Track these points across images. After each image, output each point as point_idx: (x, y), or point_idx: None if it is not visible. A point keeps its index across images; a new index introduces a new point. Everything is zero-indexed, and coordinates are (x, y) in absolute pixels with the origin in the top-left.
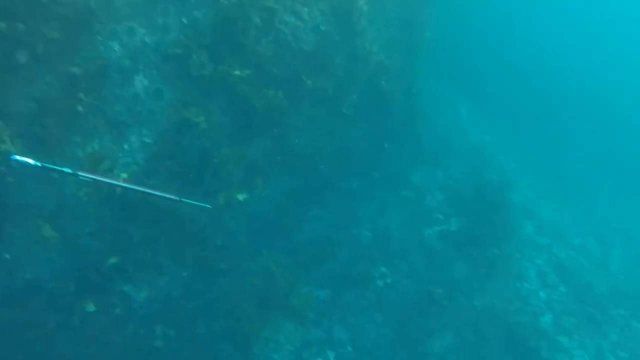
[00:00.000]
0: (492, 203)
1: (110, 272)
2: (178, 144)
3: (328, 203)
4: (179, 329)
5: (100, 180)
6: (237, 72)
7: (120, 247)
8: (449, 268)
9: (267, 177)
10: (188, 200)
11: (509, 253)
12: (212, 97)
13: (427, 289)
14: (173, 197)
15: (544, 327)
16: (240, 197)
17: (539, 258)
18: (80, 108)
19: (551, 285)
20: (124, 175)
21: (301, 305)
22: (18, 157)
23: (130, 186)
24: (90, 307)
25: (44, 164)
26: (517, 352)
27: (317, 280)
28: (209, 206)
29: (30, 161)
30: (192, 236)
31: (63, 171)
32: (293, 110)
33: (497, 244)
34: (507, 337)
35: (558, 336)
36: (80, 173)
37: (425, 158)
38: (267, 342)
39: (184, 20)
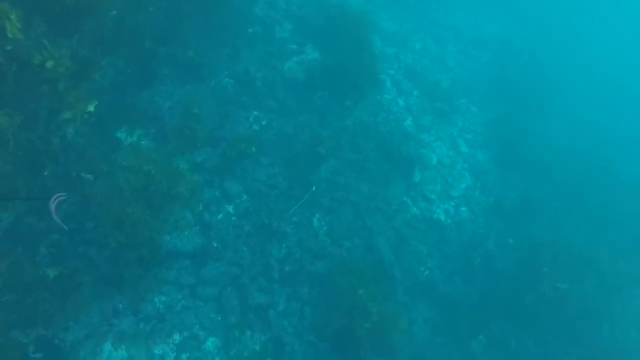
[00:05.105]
0: (340, 22)
1: None
2: None
3: (179, 61)
4: (70, 261)
5: None
6: None
7: None
8: (316, 96)
9: (98, 71)
10: None
11: (366, 69)
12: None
13: (302, 121)
14: None
15: (408, 129)
16: (91, 107)
17: (390, 68)
18: None
19: (406, 91)
20: None
21: (187, 176)
22: None
23: None
24: None
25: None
26: (392, 156)
27: (193, 147)
28: None
29: None
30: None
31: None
32: None
33: (354, 62)
34: (381, 146)
35: (420, 134)
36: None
37: None
38: (166, 223)
39: None
